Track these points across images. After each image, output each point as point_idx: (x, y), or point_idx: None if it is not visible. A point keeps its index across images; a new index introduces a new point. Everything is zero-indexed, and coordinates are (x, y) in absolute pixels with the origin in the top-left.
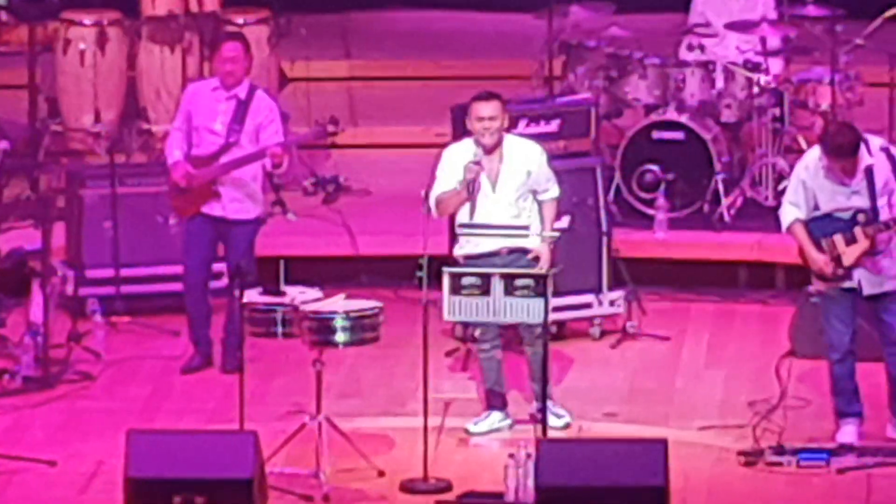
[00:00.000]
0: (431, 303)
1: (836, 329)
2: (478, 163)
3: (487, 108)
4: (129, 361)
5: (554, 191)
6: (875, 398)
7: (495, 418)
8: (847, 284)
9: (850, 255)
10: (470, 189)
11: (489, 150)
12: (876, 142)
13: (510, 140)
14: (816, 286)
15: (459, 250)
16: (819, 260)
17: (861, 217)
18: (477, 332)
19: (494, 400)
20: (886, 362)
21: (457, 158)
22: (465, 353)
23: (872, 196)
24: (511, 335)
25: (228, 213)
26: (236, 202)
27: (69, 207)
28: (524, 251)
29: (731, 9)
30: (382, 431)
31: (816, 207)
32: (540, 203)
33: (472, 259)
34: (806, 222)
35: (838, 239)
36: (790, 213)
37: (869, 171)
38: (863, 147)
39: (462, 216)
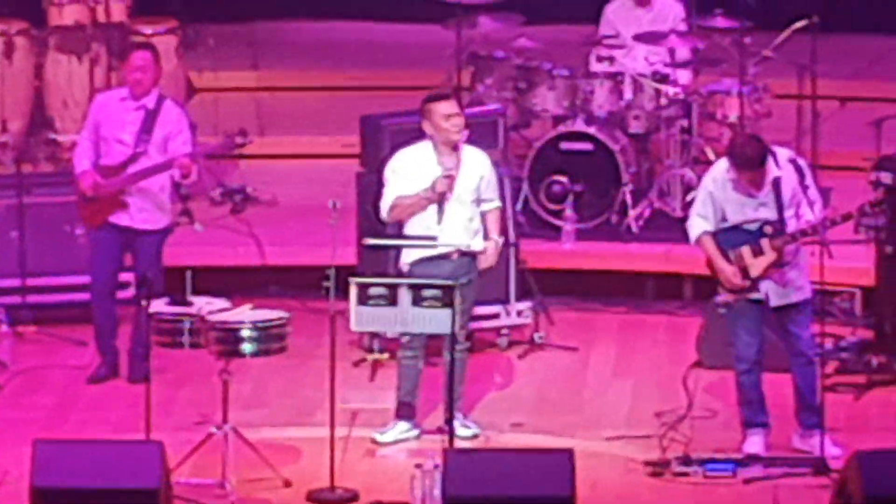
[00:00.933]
0: (339, 313)
1: (743, 340)
2: (450, 176)
3: (452, 106)
4: (36, 371)
5: (497, 201)
6: (781, 409)
7: (402, 428)
8: (754, 296)
9: (757, 266)
10: (441, 200)
11: (456, 149)
12: (783, 153)
13: (466, 148)
14: (723, 297)
15: (408, 258)
16: (728, 271)
17: (768, 229)
18: (403, 340)
19: (403, 410)
20: (792, 373)
21: (413, 163)
22: (372, 363)
23: (780, 208)
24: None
25: (136, 222)
26: (144, 212)
27: None
28: (473, 255)
29: (640, 20)
30: (289, 441)
31: (724, 219)
32: (483, 213)
33: (420, 264)
34: (714, 234)
35: (746, 251)
36: (698, 225)
37: (776, 183)
38: (770, 159)
39: (419, 218)
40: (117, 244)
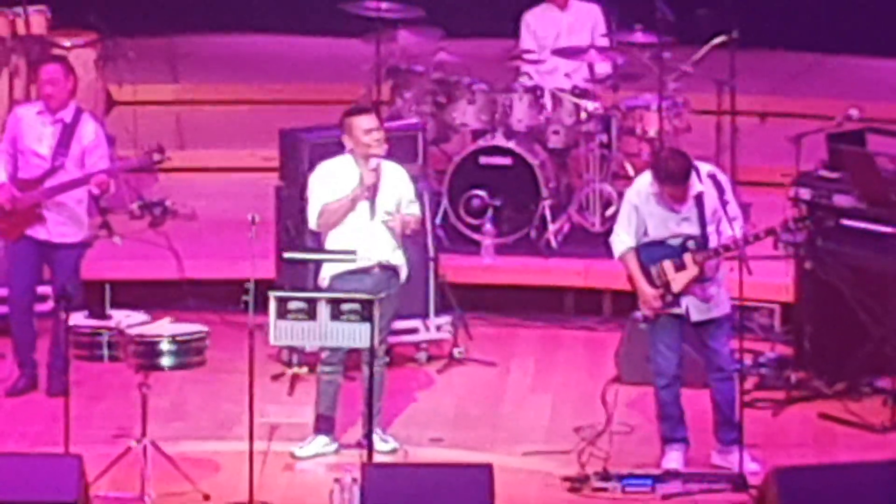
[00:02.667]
0: (258, 327)
1: (662, 355)
2: (375, 168)
3: (372, 120)
4: None
5: (415, 210)
6: (701, 424)
7: (321, 442)
8: (674, 311)
9: (679, 281)
10: (371, 194)
11: (371, 160)
12: (704, 168)
13: (384, 163)
14: (644, 311)
15: (329, 272)
16: (648, 294)
17: (690, 244)
18: (322, 354)
19: (322, 424)
20: (711, 388)
21: (336, 173)
22: (291, 377)
23: (702, 223)
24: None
25: (53, 236)
26: (61, 226)
27: None
28: (394, 269)
29: (558, 24)
30: (208, 455)
31: (646, 233)
32: None
33: (341, 277)
34: (636, 249)
35: (668, 265)
36: (622, 241)
37: (699, 199)
38: (693, 174)
39: (340, 232)
40: (35, 257)
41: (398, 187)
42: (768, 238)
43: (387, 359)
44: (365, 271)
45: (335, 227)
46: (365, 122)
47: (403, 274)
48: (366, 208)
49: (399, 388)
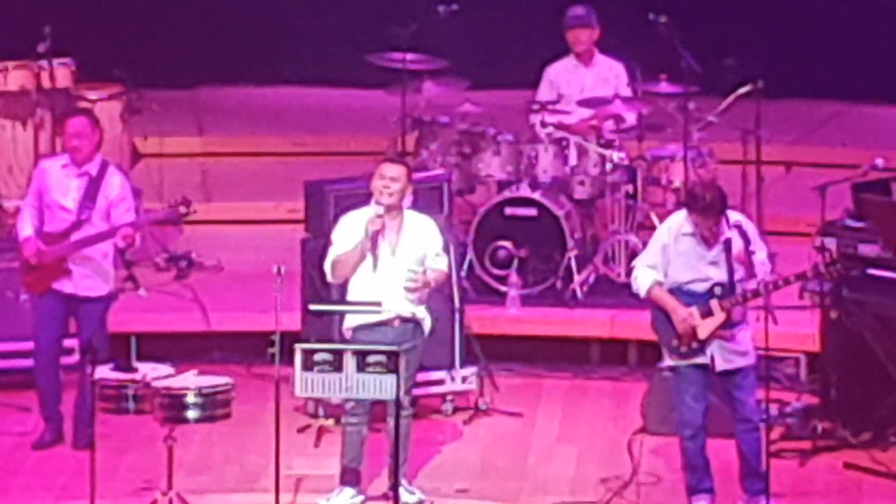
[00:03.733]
0: (283, 379)
1: (687, 405)
2: (381, 216)
3: (392, 170)
4: None
5: (442, 264)
6: (727, 474)
7: (347, 494)
8: (699, 360)
9: (705, 327)
10: (372, 243)
11: (388, 211)
12: (731, 217)
13: (410, 214)
14: (668, 362)
15: (349, 322)
16: (684, 313)
17: (717, 290)
18: (348, 406)
19: (348, 476)
20: (737, 439)
21: (355, 223)
22: (317, 429)
23: (730, 269)
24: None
25: (79, 290)
26: (87, 279)
27: None
28: (415, 321)
29: (582, 79)
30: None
31: (665, 277)
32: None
33: (362, 329)
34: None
35: (694, 311)
36: (648, 275)
37: (727, 244)
38: (726, 212)
39: (356, 285)
40: (61, 311)
41: (421, 239)
42: (797, 283)
43: (412, 410)
44: (385, 324)
45: (345, 278)
46: (386, 169)
47: (427, 326)
48: (388, 255)
49: (425, 439)
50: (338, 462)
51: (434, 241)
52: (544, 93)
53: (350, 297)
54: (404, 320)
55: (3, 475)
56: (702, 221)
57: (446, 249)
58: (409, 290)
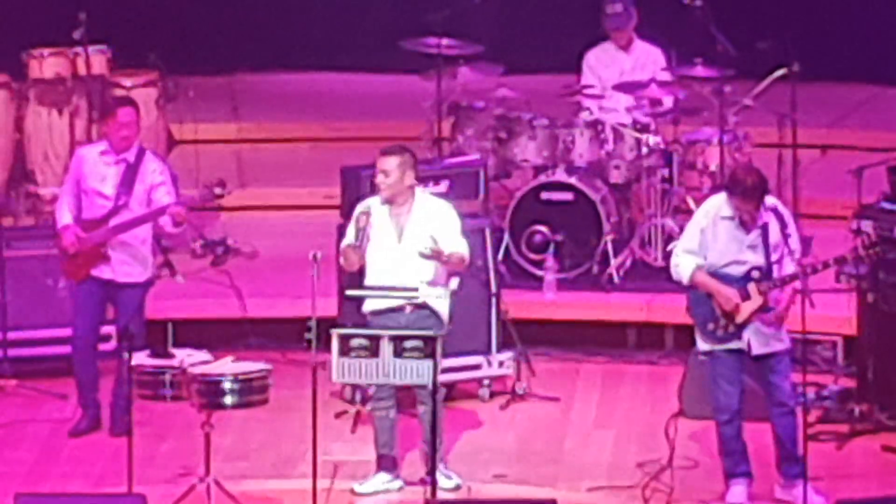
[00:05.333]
0: (320, 365)
1: (723, 390)
2: (367, 213)
3: (383, 162)
4: (17, 425)
5: (459, 247)
6: (764, 458)
7: (382, 479)
8: (734, 345)
9: (743, 311)
10: (358, 238)
11: (389, 203)
12: (767, 201)
13: (422, 197)
14: (703, 347)
15: (366, 307)
16: (729, 292)
17: (755, 273)
18: (372, 391)
19: (383, 461)
20: (772, 422)
21: (368, 210)
22: (354, 414)
23: (767, 253)
24: (404, 395)
25: (118, 276)
26: (125, 265)
27: None
28: (429, 308)
29: (621, 65)
30: (271, 493)
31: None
32: None
33: (377, 315)
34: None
35: (735, 293)
36: (689, 261)
37: (764, 228)
38: (766, 195)
39: (369, 271)
40: (99, 297)
41: (435, 223)
42: (836, 267)
43: (444, 391)
44: (397, 310)
45: (353, 267)
46: (378, 162)
47: (444, 315)
48: (394, 242)
49: (462, 425)
50: (373, 448)
51: (448, 225)
52: (588, 79)
53: (367, 282)
54: (416, 307)
55: (41, 462)
56: (742, 205)
57: (474, 234)
58: (423, 256)
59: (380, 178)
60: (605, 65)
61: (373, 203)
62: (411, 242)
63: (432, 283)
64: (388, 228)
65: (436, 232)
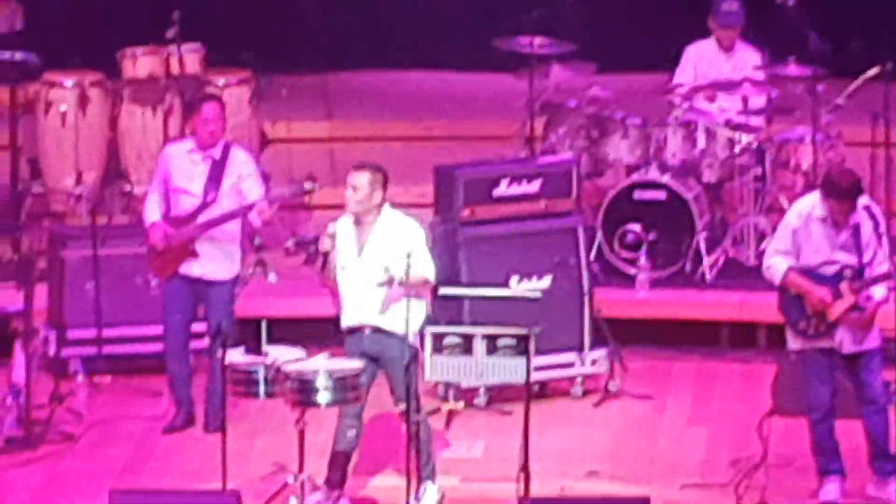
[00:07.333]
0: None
1: (815, 388)
2: (332, 235)
3: (353, 178)
4: (112, 422)
5: (421, 268)
6: (857, 456)
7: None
8: (826, 343)
9: (835, 310)
10: (324, 259)
11: (357, 219)
12: (861, 200)
13: (389, 215)
14: (795, 345)
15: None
16: (821, 293)
17: (847, 272)
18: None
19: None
20: (864, 420)
21: (340, 229)
22: (447, 412)
23: (859, 252)
24: (496, 394)
25: (206, 273)
26: (214, 262)
27: (51, 269)
28: (387, 333)
29: (720, 67)
30: (365, 491)
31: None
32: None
33: (347, 333)
34: None
35: (826, 293)
36: (781, 262)
37: (857, 228)
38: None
39: (340, 287)
40: (189, 295)
41: (395, 238)
42: None
43: (424, 415)
44: (357, 330)
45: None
46: (349, 177)
47: (404, 335)
48: (354, 255)
49: (555, 422)
50: (467, 446)
51: (409, 244)
52: (686, 71)
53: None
54: (375, 330)
55: (135, 459)
56: (837, 207)
57: (555, 233)
58: (378, 285)
59: (349, 194)
60: (705, 62)
61: (341, 222)
62: (370, 257)
63: (391, 307)
64: (350, 244)
65: (398, 251)
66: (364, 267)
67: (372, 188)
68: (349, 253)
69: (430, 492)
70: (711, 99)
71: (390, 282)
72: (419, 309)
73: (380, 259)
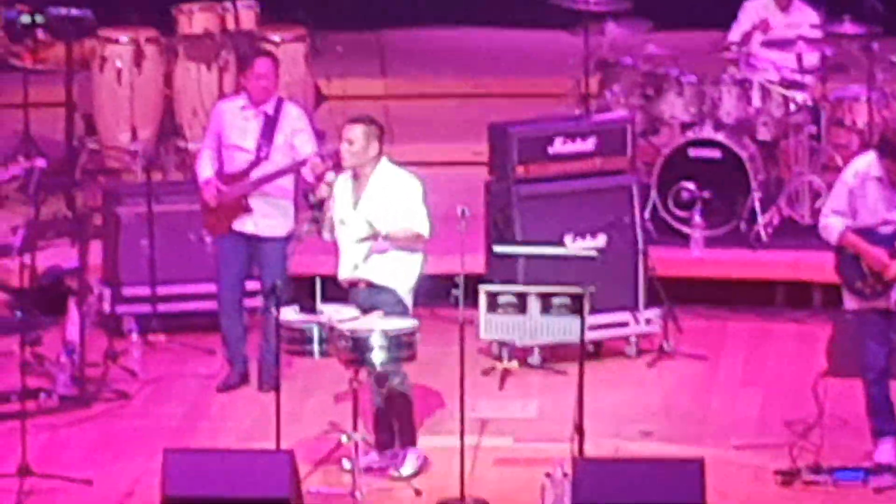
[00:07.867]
0: (468, 321)
1: (870, 349)
2: (330, 184)
3: (348, 131)
4: (166, 380)
5: (418, 228)
6: None
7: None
8: (882, 304)
9: (891, 270)
10: (321, 207)
11: (353, 172)
12: None
13: (385, 168)
14: (851, 305)
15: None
16: (878, 252)
17: None
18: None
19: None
20: None
21: (339, 183)
22: (502, 371)
23: None
24: (549, 354)
25: (260, 230)
26: (268, 218)
27: (106, 226)
28: (379, 288)
29: (776, 23)
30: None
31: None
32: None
33: (345, 285)
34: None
35: (883, 253)
36: (838, 222)
37: None
38: None
39: (339, 239)
40: (242, 252)
41: (389, 192)
42: None
43: (400, 378)
44: (354, 285)
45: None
46: (343, 130)
47: (399, 292)
48: (350, 208)
49: (609, 382)
50: (521, 406)
51: (403, 199)
52: (742, 29)
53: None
54: (370, 285)
55: (189, 418)
56: (893, 167)
57: (623, 191)
58: (361, 240)
59: (344, 147)
60: (762, 18)
61: (341, 177)
62: (364, 211)
63: (390, 266)
64: (346, 197)
65: (390, 205)
66: (359, 220)
67: (367, 140)
68: (346, 206)
69: (410, 458)
70: (767, 46)
71: (375, 236)
72: (412, 264)
73: (371, 212)
